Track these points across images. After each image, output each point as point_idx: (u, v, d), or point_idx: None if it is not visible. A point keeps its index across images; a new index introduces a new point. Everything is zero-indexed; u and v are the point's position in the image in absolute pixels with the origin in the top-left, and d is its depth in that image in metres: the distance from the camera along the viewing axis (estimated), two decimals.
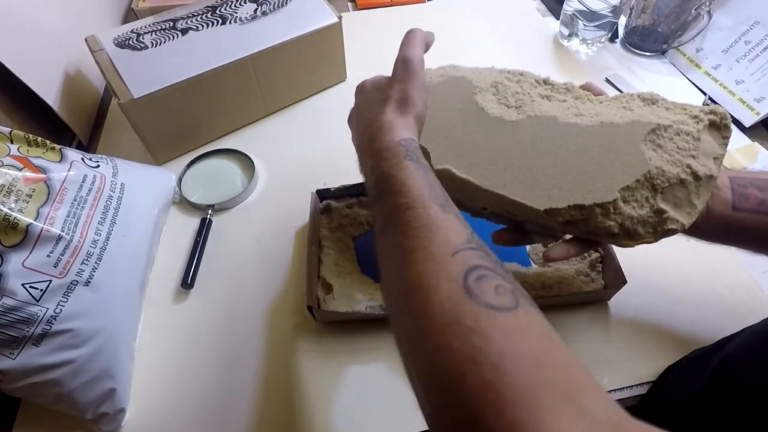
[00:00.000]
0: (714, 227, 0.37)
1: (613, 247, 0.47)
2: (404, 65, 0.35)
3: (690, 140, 0.35)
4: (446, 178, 0.38)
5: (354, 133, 0.39)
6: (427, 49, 0.37)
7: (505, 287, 0.23)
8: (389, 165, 0.30)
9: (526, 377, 0.20)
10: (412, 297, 0.24)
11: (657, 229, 0.35)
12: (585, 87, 0.42)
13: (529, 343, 0.21)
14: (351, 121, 0.41)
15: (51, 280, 0.38)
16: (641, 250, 0.37)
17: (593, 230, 0.35)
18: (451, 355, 0.21)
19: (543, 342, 0.22)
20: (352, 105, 0.40)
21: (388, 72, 0.37)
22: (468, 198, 0.38)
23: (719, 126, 0.37)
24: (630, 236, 0.35)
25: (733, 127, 0.37)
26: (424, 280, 0.24)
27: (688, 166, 0.34)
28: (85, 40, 0.59)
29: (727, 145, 0.36)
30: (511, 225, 0.39)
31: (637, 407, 0.42)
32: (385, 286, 0.28)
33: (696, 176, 0.34)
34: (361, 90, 0.40)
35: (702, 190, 0.35)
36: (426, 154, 0.39)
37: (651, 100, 0.39)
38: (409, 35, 0.37)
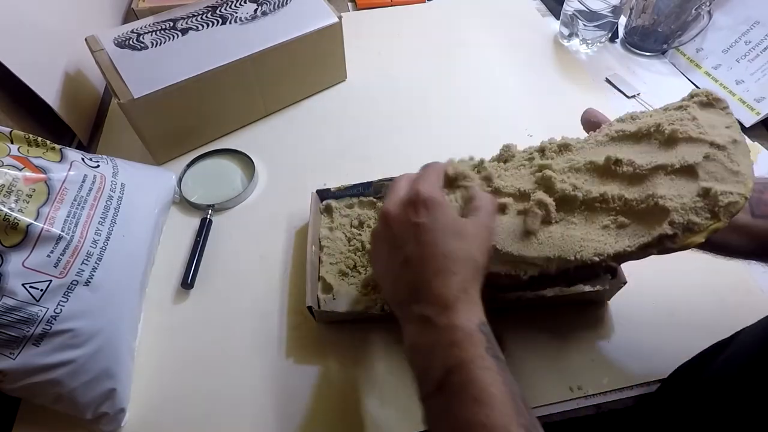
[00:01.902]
0: (738, 239, 0.35)
1: None
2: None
3: (687, 117, 0.34)
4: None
5: (384, 283, 0.33)
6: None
7: None
8: (466, 358, 0.26)
9: None
10: None
11: (714, 210, 0.31)
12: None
13: None
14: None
15: (51, 280, 0.38)
16: None
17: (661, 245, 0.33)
18: None
19: None
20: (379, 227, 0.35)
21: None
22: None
23: (710, 103, 0.35)
24: (690, 230, 0.32)
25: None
26: None
27: (707, 143, 0.32)
28: (85, 40, 0.59)
29: (731, 113, 0.35)
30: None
31: (645, 406, 0.42)
32: None
33: (717, 146, 0.32)
34: (388, 221, 0.33)
35: (735, 157, 0.32)
36: None
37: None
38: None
